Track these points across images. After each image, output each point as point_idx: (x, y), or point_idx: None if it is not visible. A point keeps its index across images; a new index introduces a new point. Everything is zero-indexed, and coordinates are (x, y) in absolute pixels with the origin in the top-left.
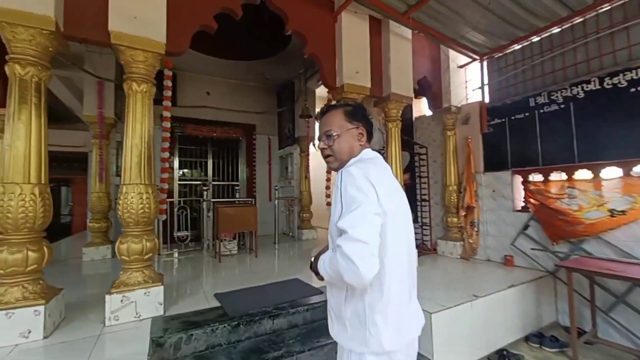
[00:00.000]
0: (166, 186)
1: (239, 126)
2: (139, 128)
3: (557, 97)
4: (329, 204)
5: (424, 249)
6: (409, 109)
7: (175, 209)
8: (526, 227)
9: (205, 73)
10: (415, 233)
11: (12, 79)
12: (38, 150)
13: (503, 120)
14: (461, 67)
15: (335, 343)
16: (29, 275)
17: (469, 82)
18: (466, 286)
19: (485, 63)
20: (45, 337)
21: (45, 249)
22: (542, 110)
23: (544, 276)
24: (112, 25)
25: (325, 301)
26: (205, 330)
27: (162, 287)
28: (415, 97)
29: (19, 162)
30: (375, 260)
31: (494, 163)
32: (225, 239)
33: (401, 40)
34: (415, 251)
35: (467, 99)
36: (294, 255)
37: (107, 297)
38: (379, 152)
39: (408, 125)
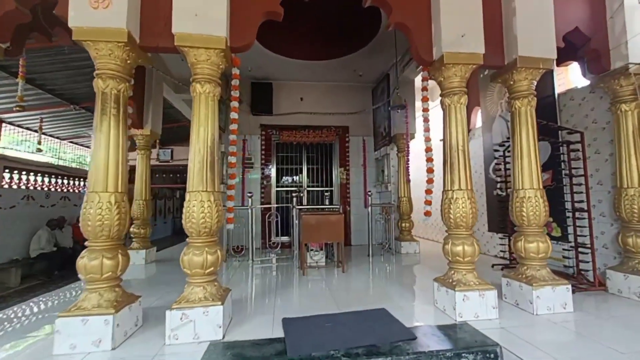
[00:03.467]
0: (232, 193)
1: (332, 129)
2: (202, 132)
3: None
4: (427, 213)
5: (582, 282)
6: (547, 82)
7: (267, 216)
8: None
9: (299, 79)
10: (565, 257)
11: (97, 93)
12: (115, 159)
13: None
14: None
15: None
16: (104, 282)
17: None
18: None
19: None
20: (113, 349)
21: (120, 257)
22: None
23: None
24: (175, 27)
25: (420, 353)
26: None
27: (222, 307)
28: (558, 64)
29: (100, 172)
30: None
31: None
32: (312, 249)
33: None
34: None
35: None
36: (387, 273)
37: (167, 313)
38: (502, 145)
39: (547, 104)
